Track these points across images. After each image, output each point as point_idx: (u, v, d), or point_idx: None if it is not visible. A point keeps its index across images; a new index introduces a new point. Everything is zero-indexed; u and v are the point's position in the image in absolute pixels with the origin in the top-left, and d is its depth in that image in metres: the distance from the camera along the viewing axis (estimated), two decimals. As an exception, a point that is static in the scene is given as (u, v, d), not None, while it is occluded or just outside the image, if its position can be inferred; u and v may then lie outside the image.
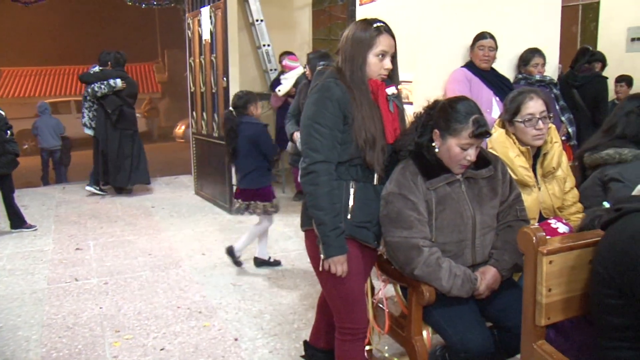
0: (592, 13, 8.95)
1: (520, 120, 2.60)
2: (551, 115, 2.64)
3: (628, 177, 2.43)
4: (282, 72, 6.27)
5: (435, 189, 2.22)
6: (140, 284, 4.16)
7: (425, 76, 3.98)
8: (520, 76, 4.36)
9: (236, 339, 3.28)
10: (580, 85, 4.86)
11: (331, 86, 2.20)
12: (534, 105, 2.59)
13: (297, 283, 4.15)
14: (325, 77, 2.27)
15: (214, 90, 6.41)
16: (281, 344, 3.22)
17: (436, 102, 2.30)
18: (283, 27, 8.33)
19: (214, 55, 6.28)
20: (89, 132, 7.31)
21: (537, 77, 4.32)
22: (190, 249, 5.02)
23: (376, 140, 2.19)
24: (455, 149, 2.17)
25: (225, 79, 6.01)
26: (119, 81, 6.97)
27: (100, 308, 3.73)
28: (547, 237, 1.74)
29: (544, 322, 1.73)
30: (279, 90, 6.34)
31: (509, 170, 2.51)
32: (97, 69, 7.18)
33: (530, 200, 2.63)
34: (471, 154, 2.18)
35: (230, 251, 4.45)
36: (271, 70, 7.60)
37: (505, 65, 4.33)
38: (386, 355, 2.84)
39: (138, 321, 3.52)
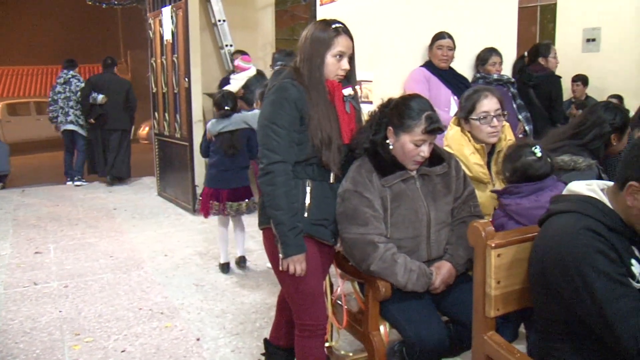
0: (550, 14, 9.16)
1: (475, 117, 2.66)
2: (505, 113, 2.71)
3: None
4: (233, 72, 6.15)
5: (390, 186, 2.26)
6: (101, 287, 4.12)
7: (385, 76, 4.03)
8: (478, 75, 4.44)
9: (198, 339, 3.28)
10: (536, 85, 4.97)
11: (288, 87, 2.22)
12: (489, 103, 2.65)
13: (260, 282, 4.16)
14: (282, 78, 2.29)
15: (175, 91, 6.37)
16: (243, 343, 3.23)
17: (390, 100, 2.34)
18: (246, 28, 8.32)
19: (176, 55, 6.25)
20: (76, 128, 7.96)
21: (495, 76, 4.42)
22: (152, 251, 4.99)
23: (332, 140, 2.22)
24: (409, 145, 2.22)
25: (187, 79, 5.98)
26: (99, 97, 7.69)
27: (60, 312, 3.69)
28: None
29: (493, 314, 1.78)
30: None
31: (464, 167, 2.57)
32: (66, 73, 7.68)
33: (485, 196, 2.69)
34: (425, 150, 2.23)
35: (241, 261, 4.50)
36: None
37: (463, 64, 4.41)
38: (343, 352, 2.88)
39: (99, 324, 3.49)
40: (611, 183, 1.66)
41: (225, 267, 4.43)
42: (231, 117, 4.29)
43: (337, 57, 2.25)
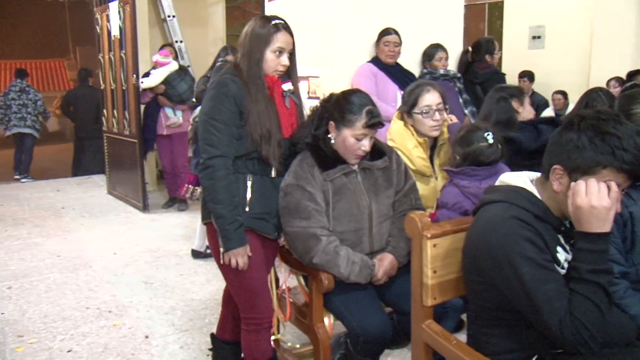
0: (497, 11, 9.37)
1: (418, 112, 2.72)
2: (447, 107, 2.78)
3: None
4: (155, 67, 5.99)
5: (332, 180, 2.29)
6: (48, 287, 4.04)
7: (333, 71, 4.08)
8: (425, 71, 4.53)
9: (147, 336, 3.26)
10: (481, 82, 5.08)
11: (227, 82, 2.23)
12: (431, 98, 2.72)
13: (210, 278, 4.15)
14: (222, 74, 2.30)
15: (124, 88, 6.28)
16: (192, 339, 3.22)
17: (331, 95, 2.38)
18: (196, 24, 8.26)
19: (124, 51, 6.16)
20: (32, 132, 8.73)
21: (441, 71, 4.51)
22: (101, 249, 4.91)
23: (272, 135, 2.24)
24: (350, 139, 2.26)
25: (135, 75, 5.90)
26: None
27: (2, 313, 3.60)
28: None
29: (430, 303, 1.83)
30: (142, 82, 5.89)
31: (407, 161, 2.63)
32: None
33: (428, 189, 2.75)
34: (366, 144, 2.27)
35: (196, 254, 4.53)
36: (187, 67, 7.49)
37: (410, 60, 4.49)
38: (290, 345, 2.91)
39: (44, 324, 3.43)
40: (538, 174, 1.74)
41: (197, 254, 4.51)
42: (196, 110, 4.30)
43: (277, 53, 2.27)
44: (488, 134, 2.44)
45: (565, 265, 1.61)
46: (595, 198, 1.48)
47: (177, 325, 3.41)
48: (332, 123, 2.30)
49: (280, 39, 2.27)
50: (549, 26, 7.84)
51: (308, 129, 2.33)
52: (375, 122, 2.24)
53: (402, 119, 2.82)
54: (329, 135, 2.31)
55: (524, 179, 1.70)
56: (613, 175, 1.51)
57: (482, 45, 5.16)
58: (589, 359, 1.52)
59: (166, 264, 4.50)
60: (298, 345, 2.92)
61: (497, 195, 1.68)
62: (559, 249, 1.61)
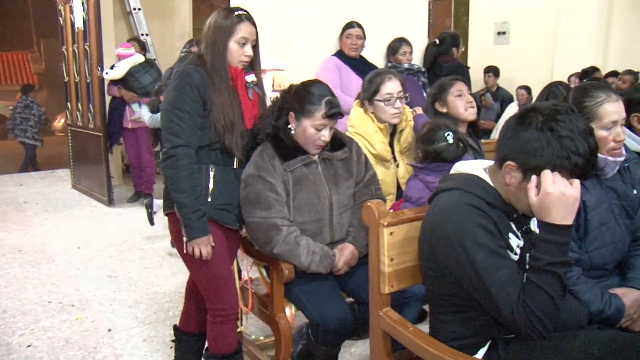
0: (463, 7, 9.45)
1: (379, 99, 2.76)
2: (407, 95, 2.82)
3: None
4: (119, 60, 5.80)
5: (292, 170, 2.31)
6: (8, 282, 3.98)
7: (297, 64, 4.09)
8: (389, 65, 4.56)
9: (109, 330, 3.24)
10: (446, 75, 5.13)
11: (191, 72, 2.23)
12: (392, 86, 2.76)
13: (175, 272, 4.13)
14: (186, 64, 2.30)
15: (88, 80, 6.20)
16: (156, 332, 3.21)
17: (291, 86, 2.39)
18: (162, 16, 8.18)
19: (88, 43, 6.07)
20: (33, 142, 9.95)
21: (406, 65, 4.55)
22: (65, 243, 4.85)
23: (235, 125, 2.25)
24: (310, 129, 2.27)
25: (99, 68, 5.83)
26: None
27: (-39, 308, 3.54)
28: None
29: (387, 290, 1.86)
30: (106, 74, 5.77)
31: (368, 145, 2.67)
32: None
33: (389, 174, 2.80)
34: (325, 135, 2.29)
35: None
36: (154, 60, 7.41)
37: (375, 54, 4.52)
38: (253, 337, 2.92)
39: (2, 320, 3.37)
40: (491, 162, 1.77)
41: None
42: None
43: (240, 43, 2.27)
44: (448, 134, 2.49)
45: (518, 251, 1.65)
46: (564, 186, 1.50)
47: (140, 318, 3.39)
48: (292, 114, 2.31)
49: (243, 30, 2.27)
50: (513, 22, 7.94)
51: (268, 119, 2.34)
52: (335, 112, 2.26)
53: (362, 106, 2.85)
54: (289, 126, 2.32)
55: (476, 167, 1.74)
56: (563, 174, 1.53)
57: (448, 39, 5.22)
58: (538, 342, 1.56)
59: (130, 257, 4.46)
60: (262, 337, 2.93)
61: (450, 184, 1.71)
62: (511, 235, 1.65)
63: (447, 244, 1.61)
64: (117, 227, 5.36)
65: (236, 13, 2.28)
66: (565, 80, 6.05)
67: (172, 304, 3.58)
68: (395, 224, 1.83)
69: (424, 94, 4.69)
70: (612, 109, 2.05)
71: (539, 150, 1.53)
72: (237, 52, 2.28)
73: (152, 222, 4.55)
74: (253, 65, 2.39)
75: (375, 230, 1.83)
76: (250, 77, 2.35)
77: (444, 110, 2.93)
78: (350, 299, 2.51)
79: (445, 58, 5.18)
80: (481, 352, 1.69)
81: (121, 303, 3.62)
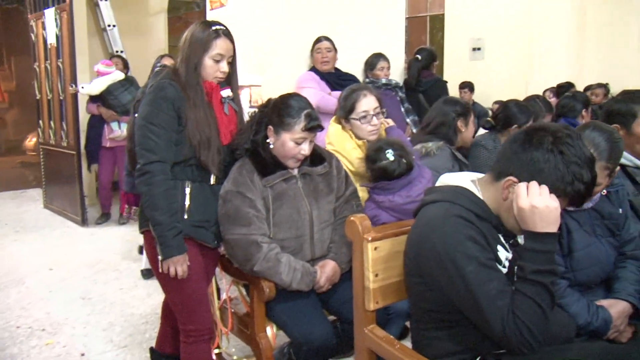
0: (438, 24, 9.56)
1: (355, 117, 2.71)
2: (384, 111, 2.78)
3: (434, 167, 2.65)
4: (98, 77, 5.72)
5: (271, 186, 2.25)
6: (-26, 307, 3.83)
7: (274, 80, 4.04)
8: (367, 80, 4.54)
9: (83, 354, 3.12)
10: (425, 90, 5.15)
11: (165, 86, 2.17)
12: (368, 102, 2.71)
13: (150, 292, 4.02)
14: (160, 78, 2.24)
15: (61, 98, 6.08)
16: (132, 355, 3.11)
17: (269, 100, 2.34)
18: (137, 34, 8.10)
19: (61, 60, 5.97)
20: None
21: (383, 80, 4.53)
22: (36, 265, 4.69)
23: (211, 141, 2.19)
24: (289, 143, 2.22)
25: (73, 85, 5.72)
26: None
27: None
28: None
29: (372, 307, 1.81)
30: (82, 88, 5.65)
31: (347, 162, 2.62)
32: None
33: (367, 191, 2.74)
34: (305, 148, 2.24)
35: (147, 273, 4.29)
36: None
37: (353, 70, 4.49)
38: (235, 357, 2.83)
39: (-33, 348, 3.24)
40: (479, 175, 1.73)
41: (146, 273, 4.28)
42: None
43: (215, 60, 2.22)
44: (388, 152, 2.47)
45: (506, 264, 1.61)
46: (537, 199, 1.49)
47: (115, 341, 3.28)
48: (270, 128, 2.26)
49: (219, 46, 2.22)
50: (488, 38, 8.03)
51: (247, 134, 2.29)
52: (314, 125, 2.22)
53: (339, 123, 2.81)
54: (268, 141, 2.27)
55: (464, 179, 1.70)
56: (562, 200, 1.52)
57: (427, 54, 5.22)
58: (529, 356, 1.51)
59: (105, 278, 4.34)
60: (243, 358, 2.84)
61: (437, 195, 1.67)
62: (499, 247, 1.61)
63: (435, 257, 1.56)
64: (91, 247, 5.22)
65: (213, 28, 2.24)
66: (542, 95, 6.12)
67: (149, 325, 3.48)
68: (380, 239, 1.78)
69: (402, 109, 4.69)
70: None
71: (546, 171, 1.51)
72: (211, 68, 2.23)
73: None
74: (230, 80, 2.34)
75: (359, 245, 1.78)
76: (226, 92, 2.30)
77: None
78: (332, 317, 2.45)
79: (424, 73, 5.19)
80: (470, 369, 1.64)
81: (95, 326, 3.50)
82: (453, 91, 7.33)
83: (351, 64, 4.41)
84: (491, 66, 7.96)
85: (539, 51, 7.37)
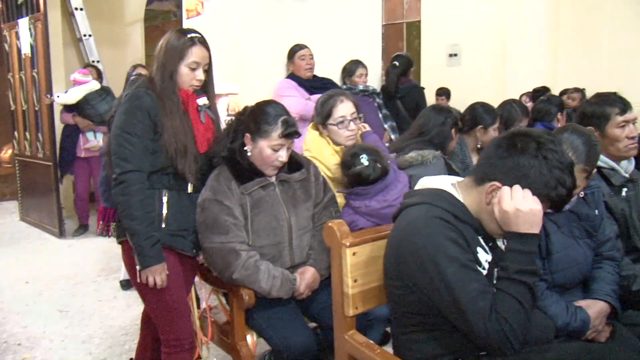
0: (415, 31, 9.61)
1: (333, 123, 2.72)
2: (361, 116, 2.79)
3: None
4: (73, 86, 5.63)
5: (249, 193, 2.24)
6: (-54, 323, 3.75)
7: (251, 88, 4.04)
8: (345, 87, 4.55)
9: (61, 368, 3.08)
10: (402, 96, 5.18)
11: (141, 95, 2.16)
12: (345, 108, 2.72)
13: (130, 303, 3.98)
14: (136, 87, 2.22)
15: (37, 108, 6.01)
16: (111, 367, 3.07)
17: (246, 108, 2.34)
18: (114, 43, 8.05)
19: (36, 70, 5.90)
20: None
21: (361, 87, 4.55)
22: (11, 278, 4.61)
23: (187, 150, 2.18)
24: (266, 150, 2.22)
25: (48, 95, 5.66)
26: None
27: None
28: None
29: (352, 312, 1.81)
30: (58, 97, 5.59)
31: (325, 169, 2.62)
32: None
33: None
34: (283, 155, 2.24)
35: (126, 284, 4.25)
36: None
37: (330, 77, 4.51)
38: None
39: (-61, 366, 3.17)
40: (459, 178, 1.75)
41: (125, 284, 4.24)
42: None
43: (191, 68, 2.21)
44: (362, 157, 2.48)
45: (486, 266, 1.62)
46: (522, 202, 1.51)
47: (94, 353, 3.24)
48: (248, 135, 2.25)
49: (195, 54, 2.21)
50: (464, 44, 8.09)
51: (224, 142, 2.28)
52: (291, 131, 2.22)
53: (316, 129, 2.81)
54: (245, 148, 2.27)
55: (444, 182, 1.71)
56: (543, 204, 1.55)
57: (404, 60, 5.26)
58: (510, 358, 1.52)
59: (83, 290, 4.28)
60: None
61: (417, 198, 1.67)
62: (479, 249, 1.62)
63: (416, 259, 1.57)
64: (69, 259, 5.16)
65: (189, 35, 2.23)
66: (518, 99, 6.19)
67: (129, 337, 3.44)
68: (358, 244, 1.78)
69: (380, 115, 4.71)
70: None
71: (531, 177, 1.54)
72: (187, 76, 2.22)
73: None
74: (206, 88, 2.33)
75: (338, 251, 1.78)
76: (202, 100, 2.29)
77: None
78: (313, 324, 2.44)
79: (402, 79, 5.22)
80: (451, 372, 1.64)
81: (73, 339, 3.45)
82: (430, 97, 7.39)
83: (328, 71, 4.42)
84: (468, 72, 8.02)
85: (515, 56, 7.44)
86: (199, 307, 2.58)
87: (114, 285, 4.34)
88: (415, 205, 1.65)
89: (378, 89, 4.84)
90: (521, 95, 6.66)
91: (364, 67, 4.59)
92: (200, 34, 2.28)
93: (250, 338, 2.34)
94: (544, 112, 4.24)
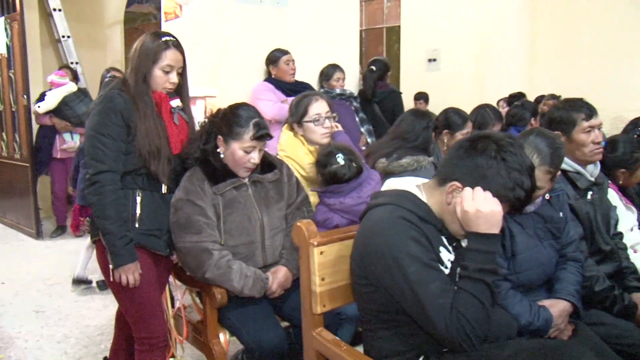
0: (395, 35, 9.70)
1: (308, 120, 2.78)
2: (334, 115, 2.86)
3: None
4: (50, 89, 5.73)
5: (222, 194, 2.28)
6: None
7: (228, 90, 4.07)
8: (322, 90, 4.60)
9: (35, 368, 3.09)
10: (380, 101, 5.23)
11: (114, 97, 2.19)
12: (320, 106, 2.79)
13: (107, 304, 3.99)
14: (109, 89, 2.25)
15: (14, 109, 5.99)
16: (86, 367, 3.08)
17: (219, 110, 2.38)
18: (93, 45, 8.04)
19: (12, 71, 5.88)
20: None
21: (338, 90, 4.60)
22: (-13, 280, 4.60)
23: (160, 151, 2.22)
24: (239, 152, 2.26)
25: (25, 96, 5.64)
26: None
27: None
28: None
29: (319, 310, 1.85)
30: (39, 107, 5.60)
31: (299, 168, 2.67)
32: None
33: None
34: (255, 157, 2.29)
35: (77, 281, 4.25)
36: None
37: (307, 81, 4.55)
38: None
39: None
40: (424, 180, 1.80)
41: (102, 285, 4.25)
42: None
43: (165, 71, 2.25)
44: (338, 156, 2.54)
45: (449, 265, 1.68)
46: (482, 203, 1.56)
47: (70, 353, 3.25)
48: (220, 137, 2.29)
49: (169, 57, 2.25)
50: (443, 49, 8.18)
51: (197, 144, 2.32)
52: (263, 133, 2.26)
53: (291, 129, 2.86)
54: (218, 150, 2.30)
55: (408, 184, 1.76)
56: (503, 204, 1.60)
57: (381, 65, 5.31)
58: (469, 354, 1.58)
59: (60, 291, 4.28)
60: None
61: (382, 199, 1.73)
62: (441, 249, 1.67)
63: (380, 258, 1.62)
64: (46, 260, 5.14)
65: (163, 39, 2.26)
66: (495, 105, 6.28)
67: (105, 336, 3.45)
68: (326, 244, 1.83)
69: (357, 119, 4.76)
70: None
71: (489, 177, 1.59)
72: (161, 79, 2.26)
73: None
74: (180, 91, 2.36)
75: (306, 250, 1.83)
76: (175, 102, 2.32)
77: None
78: (286, 323, 2.48)
79: (379, 84, 5.27)
80: (414, 367, 1.69)
81: (49, 339, 3.45)
82: (409, 102, 7.46)
83: (306, 75, 4.47)
84: (446, 76, 8.11)
85: (493, 62, 7.54)
86: (173, 306, 2.61)
87: (92, 286, 4.33)
88: (380, 206, 1.70)
89: (356, 93, 4.90)
90: (498, 101, 6.76)
91: (342, 71, 4.65)
92: (174, 37, 2.31)
93: (223, 336, 2.38)
94: (517, 117, 4.32)
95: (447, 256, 1.69)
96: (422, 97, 7.76)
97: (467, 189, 1.59)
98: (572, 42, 7.28)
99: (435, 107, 7.79)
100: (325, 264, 1.83)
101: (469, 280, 1.57)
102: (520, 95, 6.61)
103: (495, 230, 1.57)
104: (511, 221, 2.11)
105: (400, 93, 5.58)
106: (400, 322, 1.69)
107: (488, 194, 1.57)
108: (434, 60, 8.41)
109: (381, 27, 10.11)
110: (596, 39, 6.99)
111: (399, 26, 9.06)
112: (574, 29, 7.26)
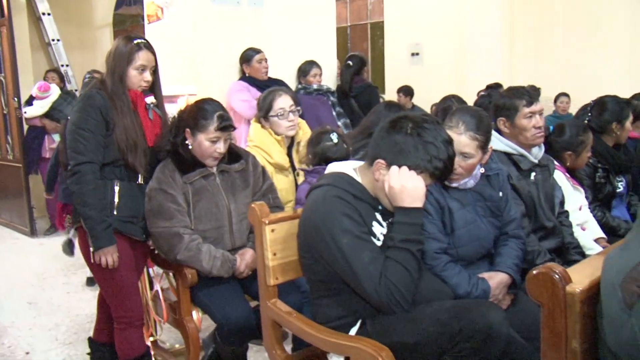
0: (379, 31, 9.88)
1: (273, 114, 2.99)
2: (299, 109, 3.06)
3: None
4: (34, 98, 5.86)
5: (191, 182, 2.49)
6: None
7: (208, 88, 4.25)
8: (299, 86, 4.79)
9: (27, 353, 3.29)
10: (356, 95, 5.42)
11: (93, 95, 2.41)
12: (284, 101, 3.01)
13: (96, 295, 4.11)
14: (89, 87, 2.47)
15: (5, 112, 6.18)
16: (75, 351, 3.28)
17: (187, 105, 2.59)
18: (83, 47, 8.21)
19: (2, 74, 6.07)
20: None
21: (315, 86, 4.78)
22: (-17, 276, 4.79)
23: (137, 145, 2.43)
24: (205, 143, 2.47)
25: (16, 99, 5.84)
26: None
27: None
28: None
29: (272, 282, 2.07)
30: (25, 113, 5.82)
31: (266, 156, 2.88)
32: None
33: (287, 182, 3.03)
34: (221, 147, 2.49)
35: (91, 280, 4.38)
36: (75, 90, 7.42)
37: (285, 77, 4.73)
38: (168, 345, 3.05)
39: None
40: (361, 162, 2.00)
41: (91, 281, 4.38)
42: None
43: (139, 70, 2.46)
44: (333, 134, 2.74)
45: (381, 237, 1.88)
46: (407, 180, 1.77)
47: (60, 339, 3.45)
48: (188, 130, 2.50)
49: (142, 57, 2.46)
50: (426, 44, 8.33)
51: (167, 137, 2.53)
52: (226, 124, 2.47)
53: (259, 122, 3.07)
54: (187, 142, 2.51)
55: (347, 167, 1.97)
56: (424, 176, 1.81)
57: (358, 60, 5.48)
58: (398, 315, 1.78)
59: (52, 284, 4.48)
60: (177, 345, 3.06)
61: (323, 181, 1.94)
62: (374, 223, 1.88)
63: (318, 233, 1.83)
64: (39, 257, 5.34)
65: (135, 42, 2.48)
66: (475, 96, 6.46)
67: (93, 324, 3.62)
68: (276, 222, 2.05)
69: (334, 113, 4.95)
70: None
71: (407, 152, 1.79)
72: (136, 78, 2.47)
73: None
74: (153, 88, 2.57)
75: (259, 228, 2.03)
76: (150, 99, 2.53)
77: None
78: (256, 302, 2.67)
79: (356, 79, 5.44)
80: (353, 330, 1.90)
81: (41, 327, 3.65)
82: (392, 96, 7.64)
83: (284, 72, 4.66)
84: (429, 70, 8.25)
85: (473, 55, 7.70)
86: (152, 288, 2.81)
87: (83, 280, 4.52)
88: (320, 187, 1.92)
89: (333, 88, 5.09)
90: (479, 92, 6.93)
91: (318, 67, 4.82)
92: (145, 39, 2.54)
93: (196, 314, 2.58)
94: (483, 107, 4.49)
95: (379, 230, 1.88)
96: (402, 90, 7.90)
97: (394, 167, 1.79)
98: (549, 36, 7.47)
99: (421, 100, 7.96)
100: (277, 241, 2.04)
101: (395, 250, 1.77)
102: (497, 86, 6.79)
103: (419, 204, 1.78)
104: (451, 199, 2.27)
105: (376, 87, 5.75)
106: (340, 290, 1.89)
107: (412, 172, 1.77)
108: (417, 54, 8.55)
109: (365, 23, 10.31)
110: (572, 33, 7.19)
111: (382, 22, 9.22)
112: (551, 24, 7.46)
